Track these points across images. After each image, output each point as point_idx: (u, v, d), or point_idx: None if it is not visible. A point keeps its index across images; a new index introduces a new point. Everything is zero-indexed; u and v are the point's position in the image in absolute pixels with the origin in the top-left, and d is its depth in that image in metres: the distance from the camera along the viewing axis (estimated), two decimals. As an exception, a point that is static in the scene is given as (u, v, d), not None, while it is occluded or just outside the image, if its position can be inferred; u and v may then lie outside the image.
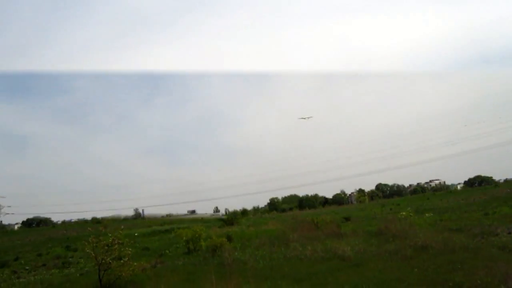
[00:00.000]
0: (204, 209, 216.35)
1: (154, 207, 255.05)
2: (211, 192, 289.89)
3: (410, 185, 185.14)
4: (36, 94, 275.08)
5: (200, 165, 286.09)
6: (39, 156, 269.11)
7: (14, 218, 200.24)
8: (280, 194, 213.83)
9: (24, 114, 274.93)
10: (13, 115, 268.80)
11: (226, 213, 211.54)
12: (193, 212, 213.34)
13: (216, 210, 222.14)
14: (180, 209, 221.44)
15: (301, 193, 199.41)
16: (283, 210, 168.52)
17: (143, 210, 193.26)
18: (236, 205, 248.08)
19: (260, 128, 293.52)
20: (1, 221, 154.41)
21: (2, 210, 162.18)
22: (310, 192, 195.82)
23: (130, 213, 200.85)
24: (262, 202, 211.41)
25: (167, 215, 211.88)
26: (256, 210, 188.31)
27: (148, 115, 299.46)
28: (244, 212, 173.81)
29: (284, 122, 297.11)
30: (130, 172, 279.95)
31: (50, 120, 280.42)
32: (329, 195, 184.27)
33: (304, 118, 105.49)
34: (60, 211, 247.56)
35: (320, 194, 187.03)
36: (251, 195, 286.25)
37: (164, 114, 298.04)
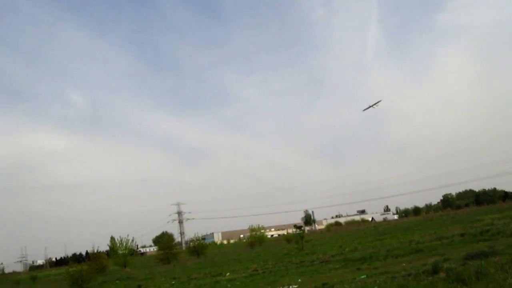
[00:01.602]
0: (374, 209, 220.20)
1: (324, 209, 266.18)
2: (380, 191, 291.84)
3: None
4: (204, 106, 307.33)
5: (367, 164, 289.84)
6: (214, 164, 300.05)
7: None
8: (454, 190, 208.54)
9: (197, 127, 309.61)
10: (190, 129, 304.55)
11: (397, 211, 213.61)
12: (362, 212, 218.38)
13: (387, 209, 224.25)
14: (350, 210, 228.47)
15: (477, 187, 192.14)
16: (458, 207, 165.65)
17: (313, 212, 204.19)
18: (406, 203, 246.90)
19: (428, 121, 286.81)
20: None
21: (185, 216, 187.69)
22: (488, 186, 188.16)
23: (300, 215, 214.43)
24: (435, 198, 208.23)
25: (336, 216, 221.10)
26: (428, 207, 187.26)
27: (311, 117, 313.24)
28: (416, 210, 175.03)
29: (454, 111, 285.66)
30: (297, 175, 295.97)
31: (221, 130, 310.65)
32: (510, 188, 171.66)
33: (372, 106, 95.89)
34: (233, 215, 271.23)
35: (499, 187, 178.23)
36: (423, 192, 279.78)
37: (326, 115, 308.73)
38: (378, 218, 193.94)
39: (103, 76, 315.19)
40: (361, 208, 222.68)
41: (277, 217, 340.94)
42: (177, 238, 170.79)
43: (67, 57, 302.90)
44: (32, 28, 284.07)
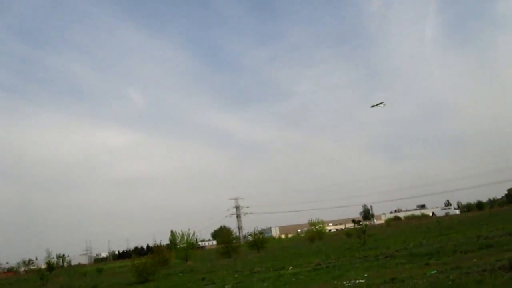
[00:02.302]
0: (434, 203, 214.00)
1: (382, 203, 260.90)
2: (440, 185, 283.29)
3: None
4: (260, 102, 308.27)
5: (426, 158, 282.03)
6: (271, 159, 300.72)
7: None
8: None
9: (253, 122, 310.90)
10: (247, 124, 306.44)
11: (458, 206, 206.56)
12: (422, 206, 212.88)
13: (447, 203, 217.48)
14: (409, 204, 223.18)
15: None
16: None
17: (371, 206, 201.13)
18: (469, 198, 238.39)
19: (491, 112, 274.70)
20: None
21: (242, 210, 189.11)
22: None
23: (359, 210, 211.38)
24: (498, 193, 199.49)
25: (395, 211, 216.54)
26: (492, 202, 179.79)
27: (368, 111, 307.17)
28: (480, 204, 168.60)
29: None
30: (355, 170, 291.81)
31: (277, 124, 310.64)
32: None
33: (377, 105, 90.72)
34: (290, 209, 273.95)
35: None
36: (485, 186, 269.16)
37: (384, 109, 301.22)
38: (439, 213, 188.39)
39: (161, 74, 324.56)
40: (420, 203, 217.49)
41: (335, 212, 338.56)
42: (235, 232, 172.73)
43: (126, 57, 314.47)
44: (92, 28, 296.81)
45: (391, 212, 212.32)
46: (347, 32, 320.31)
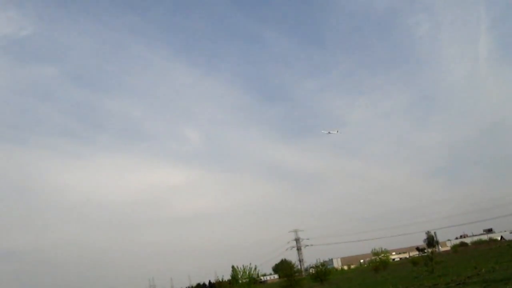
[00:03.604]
0: (502, 227, 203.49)
1: (447, 229, 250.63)
2: (507, 207, 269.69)
3: None
4: (314, 132, 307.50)
5: (488, 180, 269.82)
6: (329, 189, 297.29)
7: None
8: None
9: (308, 153, 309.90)
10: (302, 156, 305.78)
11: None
12: (489, 230, 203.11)
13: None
14: (475, 229, 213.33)
15: None
16: None
17: (435, 233, 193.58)
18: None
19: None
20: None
21: (303, 243, 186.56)
22: None
23: (422, 237, 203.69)
24: None
25: (461, 236, 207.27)
26: None
27: (425, 135, 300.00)
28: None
29: None
30: (415, 196, 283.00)
31: (333, 154, 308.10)
32: None
33: (331, 132, 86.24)
34: (351, 240, 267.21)
35: None
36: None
37: (441, 132, 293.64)
38: (509, 236, 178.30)
39: (215, 110, 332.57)
40: (487, 227, 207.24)
41: (397, 240, 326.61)
42: (297, 265, 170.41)
43: (180, 96, 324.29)
44: (146, 71, 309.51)
45: (456, 238, 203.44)
46: (398, 57, 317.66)
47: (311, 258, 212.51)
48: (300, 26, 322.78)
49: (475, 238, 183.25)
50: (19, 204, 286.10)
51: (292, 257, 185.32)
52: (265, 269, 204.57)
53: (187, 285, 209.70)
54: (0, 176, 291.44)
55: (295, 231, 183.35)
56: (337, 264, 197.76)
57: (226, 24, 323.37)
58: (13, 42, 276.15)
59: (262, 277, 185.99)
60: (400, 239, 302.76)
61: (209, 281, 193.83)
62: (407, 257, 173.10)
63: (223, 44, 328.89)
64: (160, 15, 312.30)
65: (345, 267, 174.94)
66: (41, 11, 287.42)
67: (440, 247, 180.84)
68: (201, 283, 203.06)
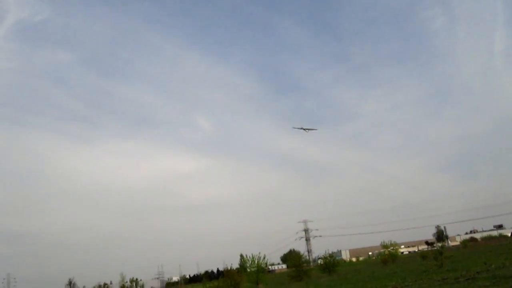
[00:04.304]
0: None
1: (456, 224, 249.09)
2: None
3: None
4: (326, 124, 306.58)
5: (501, 175, 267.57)
6: (339, 181, 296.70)
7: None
8: None
9: (320, 144, 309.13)
10: (314, 147, 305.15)
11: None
12: (500, 227, 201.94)
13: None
14: (485, 225, 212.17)
15: None
16: None
17: (445, 228, 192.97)
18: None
19: None
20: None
21: (311, 233, 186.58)
22: None
23: (432, 231, 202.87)
24: None
25: (471, 231, 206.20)
26: None
27: (438, 129, 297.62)
28: None
29: None
30: (426, 189, 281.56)
31: (345, 146, 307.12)
32: None
33: (303, 129, 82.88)
34: (360, 232, 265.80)
35: None
36: None
37: (454, 126, 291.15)
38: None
39: (227, 99, 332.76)
40: (497, 223, 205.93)
41: (406, 234, 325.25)
42: (305, 256, 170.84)
43: (193, 84, 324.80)
44: (159, 59, 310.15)
45: (466, 233, 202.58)
46: (412, 50, 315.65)
47: (319, 249, 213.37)
48: (315, 16, 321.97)
49: (485, 234, 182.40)
50: (30, 188, 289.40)
51: (301, 248, 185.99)
52: (274, 259, 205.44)
53: (196, 272, 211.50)
54: (11, 159, 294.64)
55: (304, 222, 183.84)
56: (345, 255, 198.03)
57: (240, 13, 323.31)
58: (28, 26, 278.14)
59: (270, 267, 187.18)
60: (409, 233, 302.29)
61: (217, 269, 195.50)
62: (416, 250, 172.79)
63: (236, 33, 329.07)
64: (174, 3, 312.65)
65: (354, 259, 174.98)
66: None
67: (449, 242, 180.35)
68: (209, 270, 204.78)
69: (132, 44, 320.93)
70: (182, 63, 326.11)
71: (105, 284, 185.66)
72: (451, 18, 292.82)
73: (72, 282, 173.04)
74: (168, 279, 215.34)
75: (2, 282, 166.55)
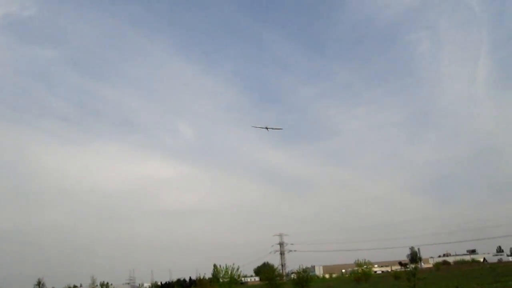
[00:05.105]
0: (485, 249, 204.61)
1: (430, 246, 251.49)
2: (492, 230, 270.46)
3: None
4: (307, 139, 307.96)
5: (476, 201, 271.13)
6: (317, 196, 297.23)
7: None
8: None
9: (300, 158, 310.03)
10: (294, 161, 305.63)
11: (511, 252, 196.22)
12: (473, 251, 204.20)
13: (499, 249, 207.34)
14: (459, 248, 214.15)
15: None
16: None
17: (419, 249, 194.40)
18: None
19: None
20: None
21: (286, 247, 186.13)
22: None
23: (406, 252, 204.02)
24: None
25: (444, 255, 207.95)
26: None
27: (417, 151, 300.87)
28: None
29: None
30: (402, 210, 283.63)
31: (324, 162, 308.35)
32: None
33: (266, 128, 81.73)
34: (335, 249, 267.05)
35: None
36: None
37: (434, 149, 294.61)
38: (491, 259, 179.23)
39: (211, 108, 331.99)
40: (470, 248, 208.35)
41: (380, 253, 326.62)
42: (279, 270, 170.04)
43: (178, 91, 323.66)
44: (146, 63, 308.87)
45: (439, 256, 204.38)
46: (397, 72, 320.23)
47: (293, 263, 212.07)
48: (303, 32, 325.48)
49: (458, 258, 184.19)
50: (10, 185, 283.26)
51: (275, 261, 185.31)
52: (247, 271, 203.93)
53: (168, 279, 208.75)
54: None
55: (280, 235, 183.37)
56: (318, 271, 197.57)
57: (228, 23, 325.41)
58: (15, 21, 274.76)
59: (243, 278, 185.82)
60: (383, 253, 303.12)
61: (190, 277, 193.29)
62: (389, 270, 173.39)
63: (224, 43, 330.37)
64: (163, 8, 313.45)
65: (327, 276, 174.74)
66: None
67: (422, 264, 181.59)
68: (182, 278, 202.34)
69: (119, 46, 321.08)
70: (168, 68, 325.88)
71: (75, 286, 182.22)
72: (436, 43, 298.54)
73: (41, 283, 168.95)
74: (140, 285, 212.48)
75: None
